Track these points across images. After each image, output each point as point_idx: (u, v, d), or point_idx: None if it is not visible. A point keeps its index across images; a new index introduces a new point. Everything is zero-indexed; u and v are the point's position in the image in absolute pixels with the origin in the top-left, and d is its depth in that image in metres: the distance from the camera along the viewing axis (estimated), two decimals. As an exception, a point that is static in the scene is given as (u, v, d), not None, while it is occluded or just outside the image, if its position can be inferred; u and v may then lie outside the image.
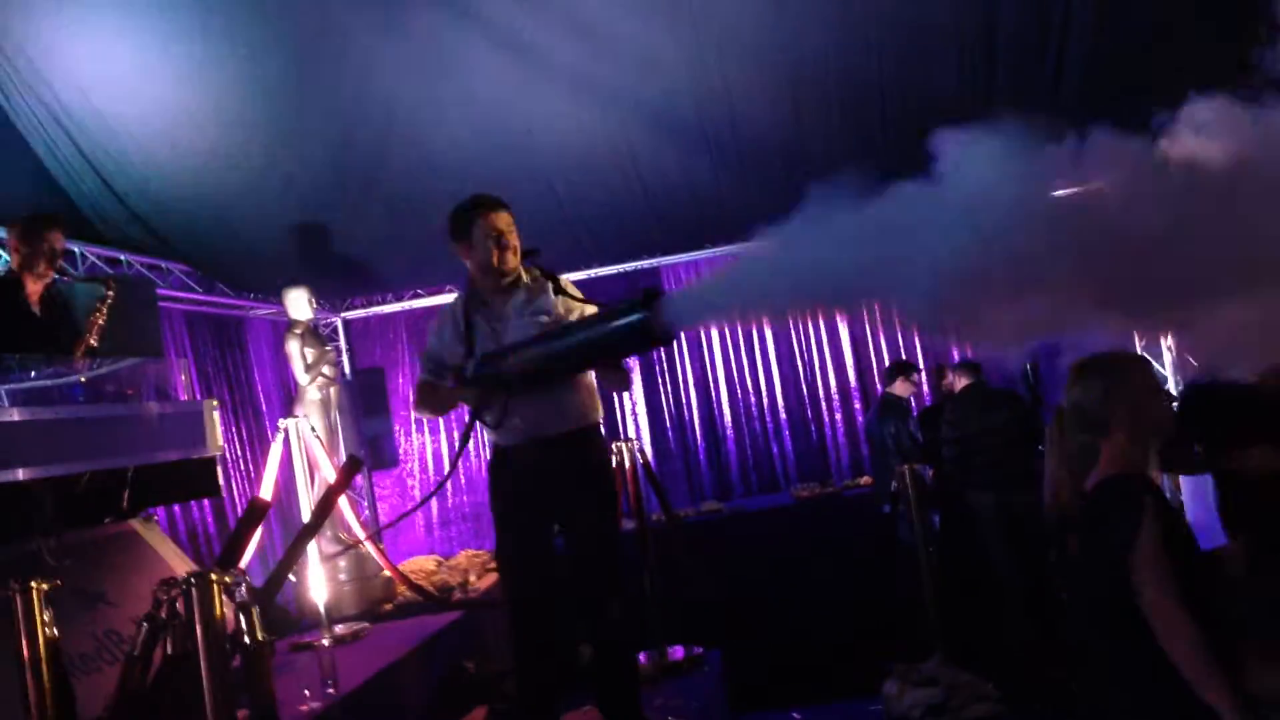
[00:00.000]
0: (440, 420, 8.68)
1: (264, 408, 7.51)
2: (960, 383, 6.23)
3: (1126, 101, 4.47)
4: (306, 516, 5.07)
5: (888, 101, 5.83)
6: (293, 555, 3.19)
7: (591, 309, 3.54)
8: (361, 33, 5.24)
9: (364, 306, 8.45)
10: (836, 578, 5.87)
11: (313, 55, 5.32)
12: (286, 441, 5.02)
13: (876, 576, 5.73)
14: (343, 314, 8.45)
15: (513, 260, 3.59)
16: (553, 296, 3.60)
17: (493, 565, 6.64)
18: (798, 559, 6.15)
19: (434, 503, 8.59)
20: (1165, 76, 5.47)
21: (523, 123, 5.87)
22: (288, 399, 7.66)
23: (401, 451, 8.61)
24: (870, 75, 5.67)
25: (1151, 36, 5.48)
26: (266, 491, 4.87)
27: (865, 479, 7.54)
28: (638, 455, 4.85)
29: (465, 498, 8.63)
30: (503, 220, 3.59)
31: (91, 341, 3.93)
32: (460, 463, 8.65)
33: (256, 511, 2.74)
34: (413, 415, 8.71)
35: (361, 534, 5.17)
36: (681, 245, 7.71)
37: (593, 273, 7.93)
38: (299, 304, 6.41)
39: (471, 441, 8.56)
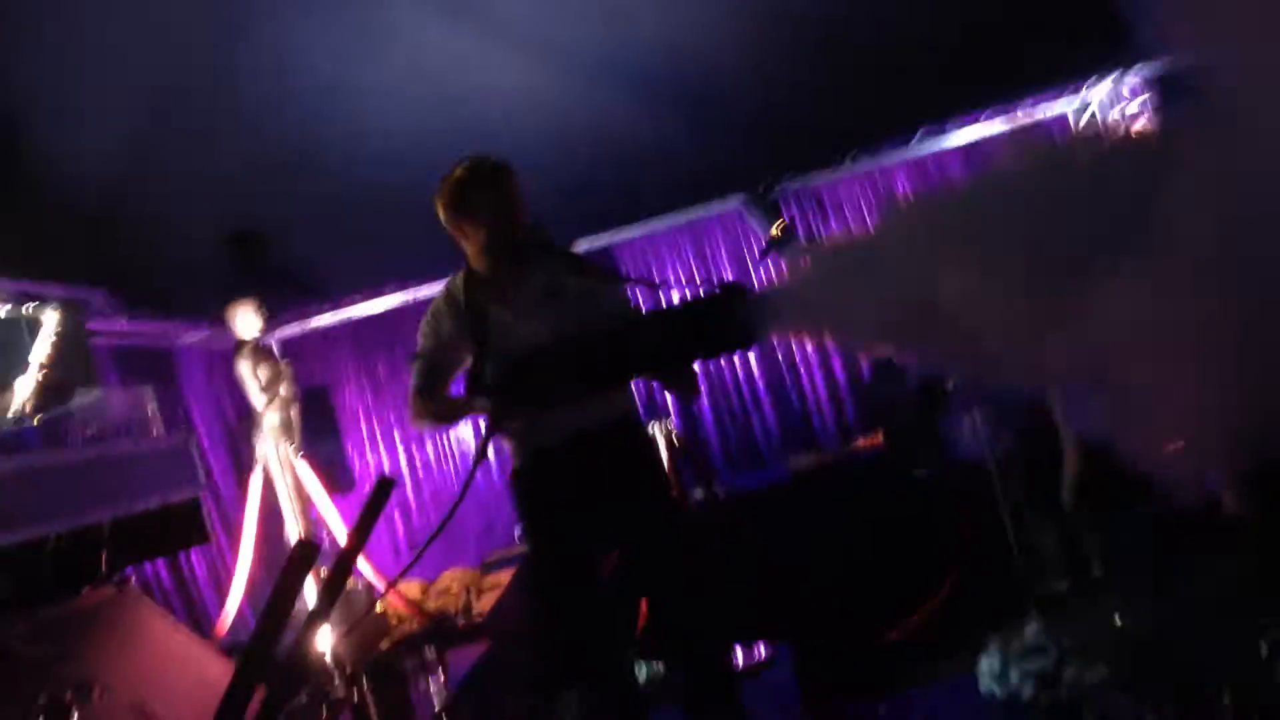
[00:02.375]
0: (396, 435, 8.01)
1: (205, 444, 6.77)
2: None
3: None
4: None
5: (863, 45, 5.40)
6: (327, 600, 2.62)
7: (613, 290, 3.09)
8: (288, 4, 4.61)
9: (300, 319, 7.72)
10: (882, 548, 5.40)
11: (231, 34, 4.66)
12: (266, 471, 4.38)
13: (925, 540, 5.32)
14: (277, 332, 7.71)
15: (522, 233, 3.06)
16: (571, 275, 3.08)
17: (488, 584, 6.05)
18: (830, 533, 5.67)
19: (399, 523, 7.94)
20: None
21: (475, 93, 5.29)
22: (228, 432, 6.95)
23: (357, 474, 7.92)
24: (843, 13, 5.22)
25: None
26: (250, 530, 4.22)
27: (862, 440, 7.12)
28: (673, 436, 4.35)
29: (433, 515, 7.98)
30: (513, 184, 3.07)
31: (38, 378, 3.25)
32: (423, 472, 8.02)
33: (309, 555, 2.15)
34: (392, 431, 8.03)
35: (370, 574, 4.55)
36: (653, 211, 7.21)
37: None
38: (246, 320, 5.71)
39: (432, 444, 7.99)
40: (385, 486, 2.53)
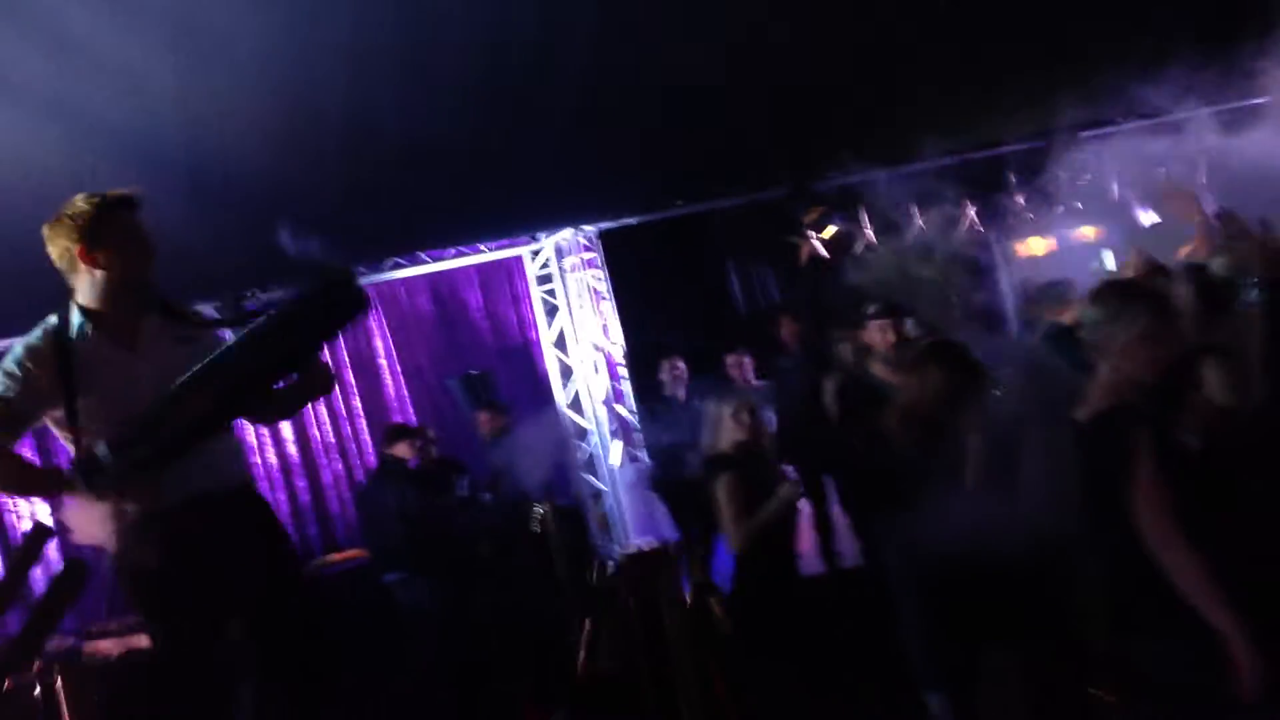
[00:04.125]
0: None
1: None
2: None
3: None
4: None
5: (399, 147, 5.63)
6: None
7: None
8: None
9: None
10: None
11: None
12: None
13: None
14: None
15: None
16: (191, 322, 2.93)
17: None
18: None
19: None
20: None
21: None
22: None
23: None
24: (382, 117, 5.42)
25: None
26: None
27: (338, 555, 7.05)
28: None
29: None
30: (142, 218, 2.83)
31: None
32: None
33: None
34: None
35: None
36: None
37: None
38: None
39: None
40: (41, 535, 2.22)
